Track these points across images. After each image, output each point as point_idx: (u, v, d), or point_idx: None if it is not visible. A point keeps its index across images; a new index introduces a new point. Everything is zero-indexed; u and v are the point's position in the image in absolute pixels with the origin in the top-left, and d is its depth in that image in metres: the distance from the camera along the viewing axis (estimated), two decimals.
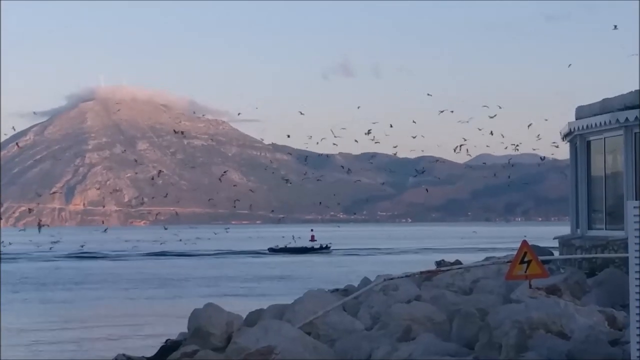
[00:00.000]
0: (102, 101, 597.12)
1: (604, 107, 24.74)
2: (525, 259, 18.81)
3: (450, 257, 30.71)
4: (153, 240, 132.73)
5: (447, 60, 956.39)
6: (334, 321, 20.04)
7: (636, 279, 11.43)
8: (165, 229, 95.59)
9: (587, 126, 25.09)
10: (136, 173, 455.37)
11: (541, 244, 26.00)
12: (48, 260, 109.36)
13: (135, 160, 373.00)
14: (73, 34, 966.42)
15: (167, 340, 23.94)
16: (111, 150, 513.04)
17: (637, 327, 11.45)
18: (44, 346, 35.87)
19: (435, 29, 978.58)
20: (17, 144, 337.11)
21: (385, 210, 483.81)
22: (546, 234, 49.03)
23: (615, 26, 27.93)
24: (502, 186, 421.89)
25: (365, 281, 24.85)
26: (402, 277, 22.50)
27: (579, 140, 26.08)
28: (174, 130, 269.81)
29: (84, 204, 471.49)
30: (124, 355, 23.00)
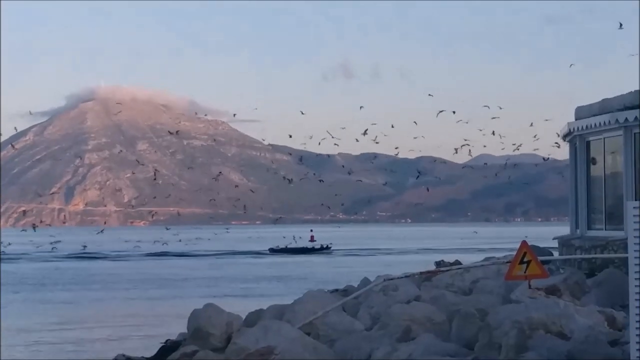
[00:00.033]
0: (102, 101, 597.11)
1: (604, 107, 24.74)
2: (525, 259, 18.82)
3: (449, 258, 30.72)
4: (154, 241, 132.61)
5: (447, 61, 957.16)
6: (333, 321, 20.05)
7: (636, 279, 11.44)
8: (168, 229, 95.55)
9: (586, 126, 25.09)
10: (133, 173, 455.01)
11: (541, 245, 26.02)
12: (48, 260, 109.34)
13: (137, 161, 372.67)
14: (73, 34, 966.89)
15: (166, 341, 23.95)
16: (111, 151, 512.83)
17: (637, 328, 11.46)
18: (43, 346, 35.87)
19: (436, 29, 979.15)
20: (12, 145, 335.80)
21: (385, 210, 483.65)
22: (546, 234, 49.03)
23: (621, 24, 27.87)
24: (502, 186, 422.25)
25: (365, 281, 24.87)
26: (401, 277, 22.51)
27: (578, 140, 26.08)
28: (169, 132, 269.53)
29: (86, 204, 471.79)
30: (123, 355, 23.02)
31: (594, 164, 25.39)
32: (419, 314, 18.89)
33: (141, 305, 52.88)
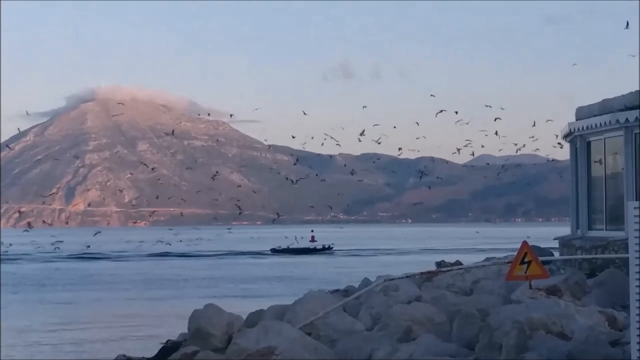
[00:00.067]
0: (102, 102, 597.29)
1: (604, 107, 24.74)
2: (526, 260, 18.83)
3: (450, 258, 30.71)
4: (157, 241, 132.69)
5: (447, 61, 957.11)
6: (334, 322, 20.05)
7: (636, 279, 11.42)
8: (170, 229, 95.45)
9: (587, 127, 25.09)
10: (131, 174, 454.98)
11: (542, 245, 26.02)
12: (48, 261, 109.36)
13: (142, 163, 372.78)
14: (73, 34, 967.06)
15: (167, 341, 23.95)
16: (111, 151, 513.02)
17: (638, 328, 11.44)
18: (44, 346, 35.87)
19: (436, 30, 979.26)
20: (8, 146, 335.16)
21: (385, 210, 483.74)
22: (546, 234, 49.03)
23: (628, 23, 27.64)
24: (502, 187, 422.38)
25: (366, 282, 24.86)
26: (402, 277, 22.51)
27: (579, 140, 26.08)
28: (165, 133, 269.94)
29: (89, 205, 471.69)
30: (124, 355, 23.02)
31: (601, 163, 25.37)
32: (420, 315, 18.88)
33: (142, 306, 52.90)
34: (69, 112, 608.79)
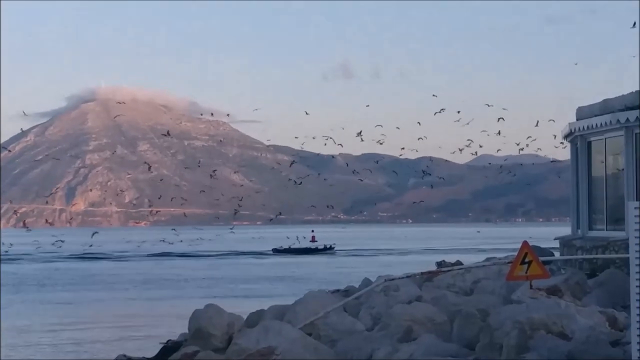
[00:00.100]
0: (103, 102, 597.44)
1: (605, 107, 24.74)
2: (526, 260, 18.82)
3: (451, 258, 30.71)
4: (159, 241, 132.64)
5: (447, 61, 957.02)
6: (334, 322, 20.04)
7: (637, 279, 11.42)
8: (173, 229, 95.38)
9: (587, 127, 25.08)
10: (129, 174, 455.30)
11: (542, 245, 26.01)
12: (49, 261, 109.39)
13: (145, 162, 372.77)
14: (73, 34, 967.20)
15: (167, 341, 23.94)
16: (112, 151, 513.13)
17: (638, 328, 11.44)
18: (44, 346, 35.88)
19: (436, 30, 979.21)
20: (6, 148, 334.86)
21: (385, 211, 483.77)
22: (547, 234, 49.02)
23: (635, 23, 27.51)
24: (502, 187, 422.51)
25: (366, 282, 24.86)
26: (402, 277, 22.50)
27: (579, 140, 26.08)
28: (162, 134, 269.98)
29: (87, 205, 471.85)
30: (124, 355, 23.01)
31: (601, 164, 25.35)
32: (420, 315, 18.88)
33: (142, 306, 52.91)
34: (70, 112, 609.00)
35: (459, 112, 55.83)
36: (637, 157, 23.33)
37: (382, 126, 58.76)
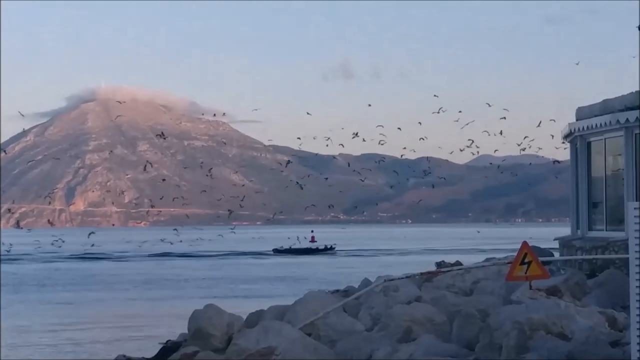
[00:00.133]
0: (103, 102, 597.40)
1: (604, 108, 24.74)
2: (526, 260, 18.82)
3: (450, 258, 30.70)
4: (159, 240, 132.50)
5: (447, 61, 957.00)
6: (334, 322, 20.04)
7: (637, 280, 11.42)
8: (175, 229, 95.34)
9: (587, 127, 25.08)
10: (127, 175, 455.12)
11: (542, 245, 26.01)
12: (49, 261, 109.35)
13: (148, 162, 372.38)
14: (73, 34, 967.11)
15: (167, 341, 23.95)
16: (111, 151, 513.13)
17: (638, 329, 11.44)
18: (44, 346, 35.88)
19: (436, 30, 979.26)
20: (4, 150, 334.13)
21: (385, 211, 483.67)
22: (547, 235, 49.02)
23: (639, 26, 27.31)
24: (502, 187, 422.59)
25: (366, 282, 24.86)
26: (402, 278, 22.50)
27: (579, 141, 26.08)
28: (157, 135, 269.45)
29: (87, 205, 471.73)
30: (124, 356, 23.02)
31: (601, 164, 25.33)
32: (420, 315, 18.88)
33: (142, 306, 52.91)
34: (70, 112, 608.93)
35: (460, 111, 55.74)
36: (636, 158, 23.34)
37: (383, 126, 58.66)
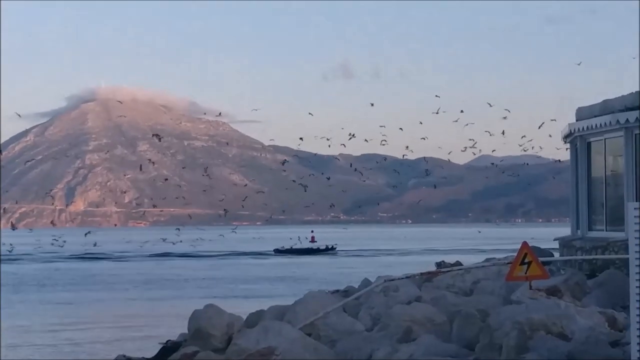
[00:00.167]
0: (103, 102, 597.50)
1: (604, 108, 24.74)
2: (526, 260, 18.83)
3: (450, 258, 30.70)
4: (159, 240, 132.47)
5: (447, 61, 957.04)
6: (334, 322, 20.05)
7: (637, 280, 11.42)
8: (177, 229, 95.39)
9: (587, 127, 25.08)
10: (125, 175, 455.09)
11: (542, 246, 26.01)
12: (49, 261, 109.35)
13: (149, 161, 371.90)
14: (73, 34, 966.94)
15: (167, 341, 23.96)
16: (112, 151, 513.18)
17: (638, 329, 11.44)
18: (44, 346, 35.88)
19: (436, 30, 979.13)
20: (1, 151, 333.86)
21: (385, 211, 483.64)
22: (547, 235, 49.04)
23: None
24: (502, 187, 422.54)
25: (366, 282, 24.86)
26: (402, 278, 22.51)
27: (579, 141, 26.08)
28: (152, 135, 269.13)
29: (87, 205, 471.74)
30: (124, 356, 23.03)
31: (601, 164, 25.33)
32: (420, 315, 18.88)
33: (142, 306, 52.92)
34: (70, 112, 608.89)
35: (462, 111, 55.73)
36: (636, 158, 23.34)
37: (384, 126, 58.69)
